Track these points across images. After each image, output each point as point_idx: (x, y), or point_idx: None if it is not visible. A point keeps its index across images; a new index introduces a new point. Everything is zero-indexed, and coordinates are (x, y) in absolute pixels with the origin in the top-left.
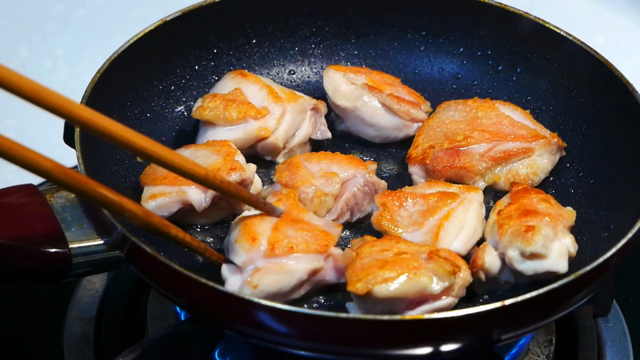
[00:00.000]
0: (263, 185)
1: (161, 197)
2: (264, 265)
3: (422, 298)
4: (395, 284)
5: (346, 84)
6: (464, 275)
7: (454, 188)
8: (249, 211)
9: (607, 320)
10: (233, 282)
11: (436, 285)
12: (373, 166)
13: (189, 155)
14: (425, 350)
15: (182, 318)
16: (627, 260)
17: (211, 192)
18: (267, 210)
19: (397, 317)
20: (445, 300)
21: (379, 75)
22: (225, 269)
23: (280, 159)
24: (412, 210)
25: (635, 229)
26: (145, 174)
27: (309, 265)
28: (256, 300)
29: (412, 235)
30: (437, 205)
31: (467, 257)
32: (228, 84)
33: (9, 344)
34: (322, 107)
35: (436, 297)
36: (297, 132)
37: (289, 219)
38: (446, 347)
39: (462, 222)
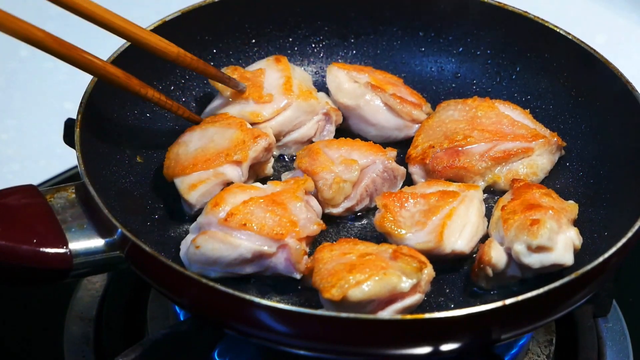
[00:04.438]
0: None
1: (202, 184)
2: (212, 230)
3: (392, 297)
4: (368, 286)
5: (349, 82)
6: (428, 271)
7: (453, 187)
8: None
9: (607, 320)
10: (188, 238)
11: (405, 283)
12: (392, 153)
13: (199, 136)
14: (425, 349)
15: (182, 318)
16: (627, 260)
17: (246, 164)
18: (232, 84)
19: (398, 317)
20: (414, 298)
21: (382, 74)
22: (192, 226)
23: (273, 151)
24: (413, 210)
25: (635, 228)
26: (168, 167)
27: (256, 246)
28: (256, 300)
29: (416, 235)
30: (439, 204)
31: (472, 255)
32: (260, 64)
33: (9, 343)
34: (334, 115)
35: (405, 295)
36: (296, 130)
37: (272, 200)
38: (446, 347)
39: (465, 220)
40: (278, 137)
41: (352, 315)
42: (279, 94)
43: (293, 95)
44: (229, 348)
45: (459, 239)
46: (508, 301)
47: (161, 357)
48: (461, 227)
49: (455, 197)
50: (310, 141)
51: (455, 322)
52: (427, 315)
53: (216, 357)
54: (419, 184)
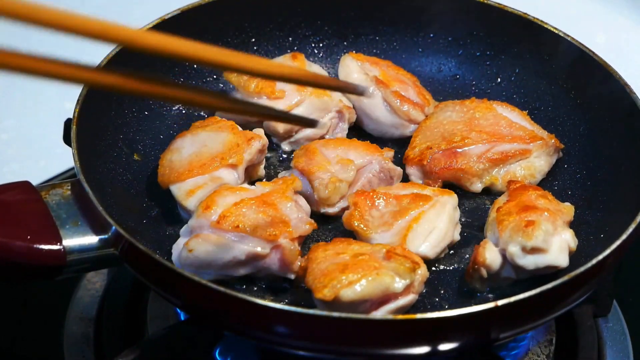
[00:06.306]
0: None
1: (200, 190)
2: (205, 233)
3: (385, 298)
4: (360, 286)
5: (358, 73)
6: (422, 272)
7: (427, 190)
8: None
9: (607, 320)
10: (180, 242)
11: (398, 284)
12: (389, 153)
13: (191, 141)
14: (419, 350)
15: (182, 318)
16: (626, 261)
17: (241, 167)
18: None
19: (389, 317)
20: (407, 298)
21: (396, 70)
22: (183, 229)
23: (284, 146)
24: (384, 210)
25: (631, 229)
26: (162, 174)
27: (250, 247)
28: (249, 298)
29: (381, 236)
30: (409, 207)
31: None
32: (277, 61)
33: (9, 343)
34: (348, 113)
35: (398, 295)
36: None
37: (262, 200)
38: (445, 346)
39: (433, 225)
40: (290, 133)
41: (343, 314)
42: (292, 90)
43: (306, 91)
44: (230, 347)
45: (424, 243)
46: (501, 302)
47: (161, 357)
48: (427, 232)
49: (426, 201)
50: (322, 138)
51: (447, 322)
52: (419, 316)
53: (217, 357)
54: (395, 185)
